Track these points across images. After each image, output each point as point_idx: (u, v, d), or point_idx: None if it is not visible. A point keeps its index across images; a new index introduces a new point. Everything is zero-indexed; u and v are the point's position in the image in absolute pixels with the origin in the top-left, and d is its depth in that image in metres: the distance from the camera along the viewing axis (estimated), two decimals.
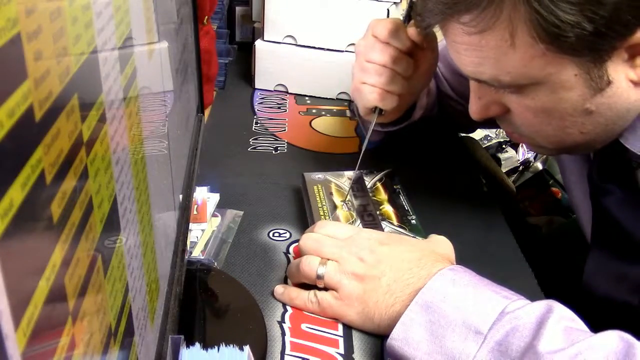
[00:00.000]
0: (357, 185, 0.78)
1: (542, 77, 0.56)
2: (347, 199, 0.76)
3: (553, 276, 0.86)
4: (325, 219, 0.71)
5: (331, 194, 0.77)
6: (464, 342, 0.51)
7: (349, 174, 0.81)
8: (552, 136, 0.62)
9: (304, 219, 0.77)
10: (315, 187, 0.78)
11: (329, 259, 0.61)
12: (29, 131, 0.21)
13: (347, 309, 0.60)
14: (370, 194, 0.77)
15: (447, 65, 0.90)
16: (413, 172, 0.89)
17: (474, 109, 0.66)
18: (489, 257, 0.73)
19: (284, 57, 1.12)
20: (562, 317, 0.51)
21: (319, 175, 0.80)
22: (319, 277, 0.60)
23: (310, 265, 0.61)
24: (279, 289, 0.64)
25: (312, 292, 0.62)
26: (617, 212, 0.66)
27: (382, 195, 0.77)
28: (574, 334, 0.50)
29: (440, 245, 0.64)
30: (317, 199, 0.75)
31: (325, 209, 0.74)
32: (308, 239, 0.64)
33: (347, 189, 0.77)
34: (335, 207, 0.74)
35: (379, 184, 0.79)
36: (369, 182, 0.80)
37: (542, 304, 0.52)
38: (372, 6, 1.08)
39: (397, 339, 0.54)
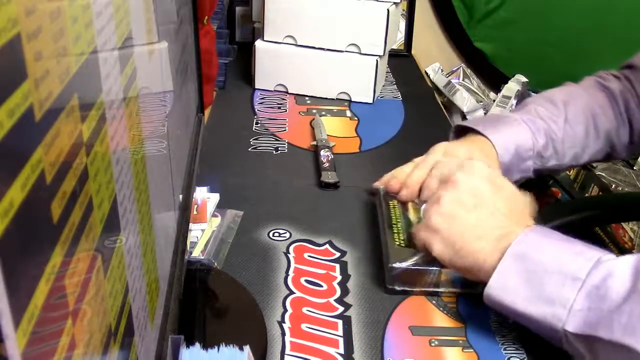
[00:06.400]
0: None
1: None
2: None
3: None
4: (400, 236, 0.70)
5: (407, 210, 0.75)
6: (561, 287, 0.54)
7: None
8: None
9: (307, 220, 0.77)
10: (392, 202, 0.76)
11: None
12: (29, 131, 0.21)
13: (434, 237, 0.63)
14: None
15: None
16: None
17: None
18: None
19: (284, 57, 1.12)
20: None
21: None
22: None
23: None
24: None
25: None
26: None
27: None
28: None
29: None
30: (393, 215, 0.74)
31: (399, 225, 0.72)
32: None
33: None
34: (410, 224, 0.71)
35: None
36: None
37: (635, 256, 0.54)
38: (372, 6, 1.08)
39: (494, 287, 0.57)
